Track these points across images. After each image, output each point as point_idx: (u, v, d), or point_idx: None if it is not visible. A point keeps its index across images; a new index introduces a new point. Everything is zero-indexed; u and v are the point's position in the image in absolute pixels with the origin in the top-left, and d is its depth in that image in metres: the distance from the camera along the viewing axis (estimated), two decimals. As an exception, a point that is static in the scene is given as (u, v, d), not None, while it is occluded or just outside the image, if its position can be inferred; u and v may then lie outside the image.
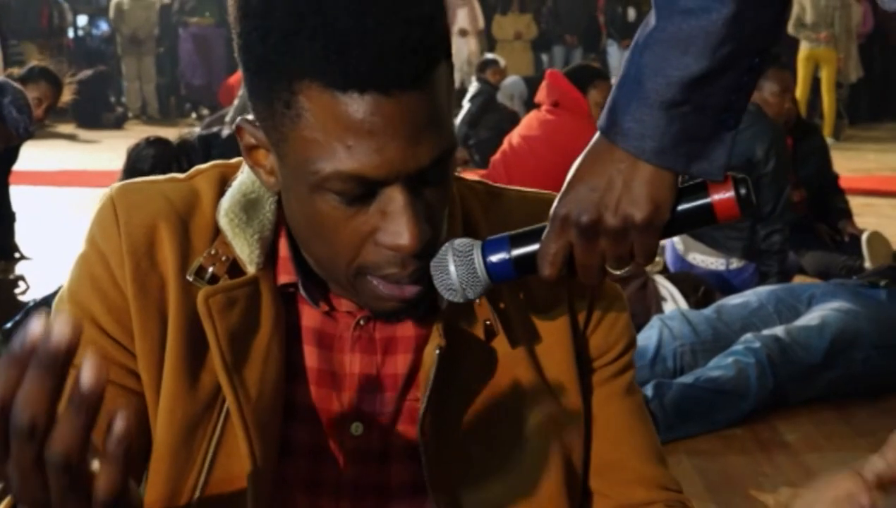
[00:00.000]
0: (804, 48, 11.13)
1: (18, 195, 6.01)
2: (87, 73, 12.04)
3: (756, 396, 3.45)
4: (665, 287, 4.25)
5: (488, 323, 1.12)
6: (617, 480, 1.19)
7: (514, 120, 7.64)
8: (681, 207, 1.03)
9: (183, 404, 1.07)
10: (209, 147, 4.15)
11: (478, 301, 1.09)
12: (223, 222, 1.09)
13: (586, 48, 13.95)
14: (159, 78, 14.87)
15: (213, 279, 1.08)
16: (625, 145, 1.02)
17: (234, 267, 1.09)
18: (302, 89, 0.93)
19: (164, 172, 1.20)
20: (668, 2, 1.01)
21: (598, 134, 1.05)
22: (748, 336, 3.61)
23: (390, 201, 0.97)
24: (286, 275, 1.10)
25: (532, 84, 8.79)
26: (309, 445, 1.14)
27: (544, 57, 14.22)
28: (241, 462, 1.07)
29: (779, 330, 3.62)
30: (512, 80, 10.80)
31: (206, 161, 1.20)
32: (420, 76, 0.93)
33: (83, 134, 12.79)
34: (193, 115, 14.73)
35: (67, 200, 7.92)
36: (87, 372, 0.67)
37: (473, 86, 9.85)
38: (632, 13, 13.17)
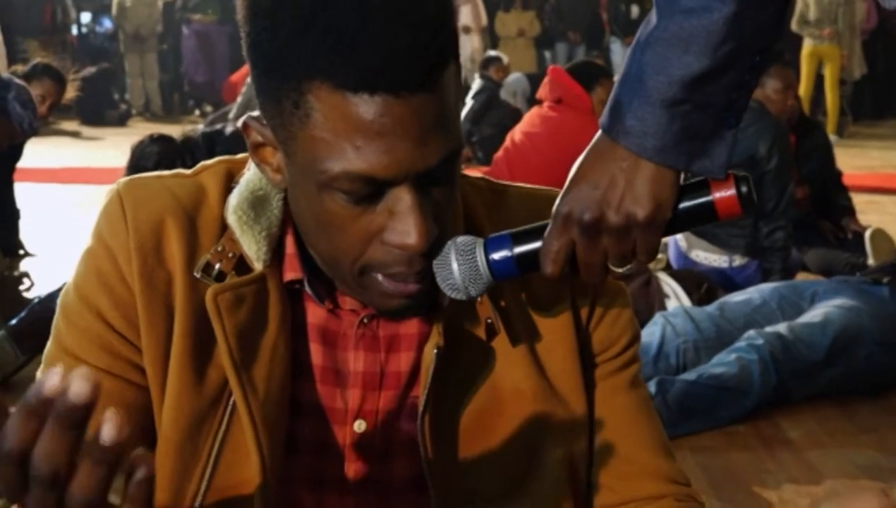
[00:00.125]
0: (808, 45, 11.12)
1: (22, 192, 6.03)
2: (90, 70, 12.06)
3: (759, 393, 3.45)
4: (668, 284, 4.25)
5: (489, 321, 1.12)
6: (625, 473, 1.19)
7: (516, 117, 7.65)
8: (683, 205, 1.03)
9: (189, 399, 1.07)
10: (213, 144, 4.16)
11: (480, 299, 1.10)
12: (231, 219, 1.09)
13: (589, 45, 13.94)
14: (162, 75, 14.88)
15: (220, 275, 1.08)
16: (627, 143, 1.02)
17: (241, 264, 1.09)
18: (311, 89, 0.94)
19: (167, 169, 1.20)
20: (670, 1, 1.01)
21: (599, 132, 1.05)
22: (751, 333, 3.61)
23: (398, 201, 0.97)
24: (292, 272, 1.11)
25: (535, 81, 8.79)
26: (313, 442, 1.15)
27: (547, 54, 14.21)
28: (246, 458, 1.07)
29: (782, 327, 3.62)
30: (515, 77, 10.81)
31: (210, 158, 1.20)
32: (429, 78, 0.94)
33: (87, 131, 12.79)
34: (197, 112, 14.74)
35: (71, 197, 7.93)
36: (108, 427, 0.67)
37: (476, 83, 9.85)
38: (635, 10, 13.16)
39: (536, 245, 1.05)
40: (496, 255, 1.04)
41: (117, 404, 1.06)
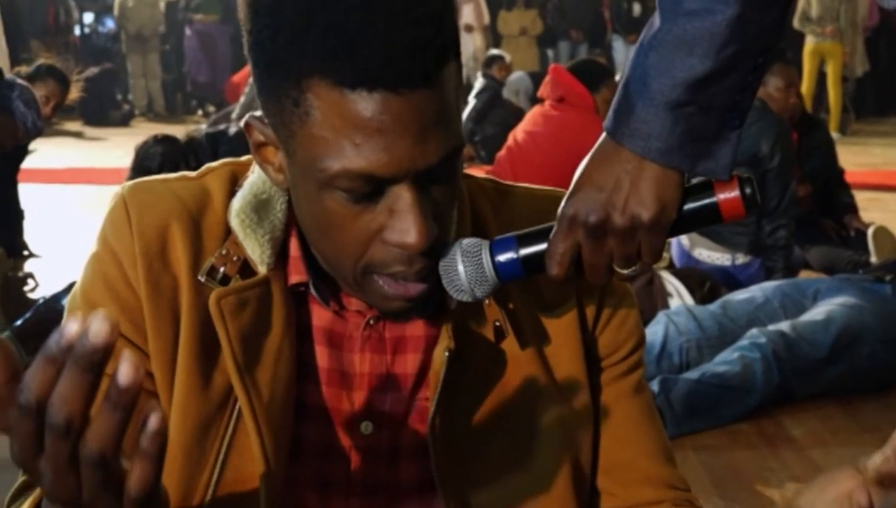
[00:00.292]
0: (810, 42, 11.12)
1: (26, 193, 6.02)
2: (93, 70, 12.04)
3: (762, 391, 3.46)
4: (671, 282, 4.26)
5: (498, 324, 1.12)
6: (625, 479, 1.19)
7: (519, 116, 7.64)
8: (687, 206, 1.04)
9: (196, 404, 1.07)
10: (216, 144, 4.17)
11: (487, 302, 1.10)
12: (234, 223, 1.09)
13: (592, 43, 13.94)
14: (165, 75, 14.88)
15: (225, 279, 1.08)
16: (631, 145, 1.02)
17: (246, 267, 1.09)
18: (311, 87, 0.94)
19: (171, 170, 1.20)
20: (673, 3, 1.02)
21: (604, 134, 1.06)
22: (754, 331, 3.61)
23: (398, 199, 0.97)
24: (297, 275, 1.11)
25: (538, 79, 8.78)
26: (319, 444, 1.15)
27: (550, 52, 14.21)
28: (253, 462, 1.07)
29: (784, 326, 3.62)
30: (517, 76, 10.81)
31: (213, 158, 1.20)
32: (429, 75, 0.93)
33: (90, 131, 12.80)
34: (200, 112, 14.74)
35: (75, 198, 7.94)
36: (123, 370, 0.67)
37: (479, 82, 9.85)
38: (637, 8, 13.15)
39: (542, 247, 1.05)
40: (502, 257, 1.04)
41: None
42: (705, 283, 4.34)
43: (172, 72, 15.25)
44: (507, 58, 10.53)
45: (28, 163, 5.79)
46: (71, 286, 3.67)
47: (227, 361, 1.07)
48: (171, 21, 14.84)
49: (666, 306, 4.12)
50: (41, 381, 0.68)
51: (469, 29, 12.85)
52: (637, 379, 1.21)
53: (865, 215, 5.70)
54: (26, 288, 4.65)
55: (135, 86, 14.53)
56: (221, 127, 4.69)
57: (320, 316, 1.13)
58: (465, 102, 9.55)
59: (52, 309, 3.72)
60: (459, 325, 1.11)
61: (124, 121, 13.42)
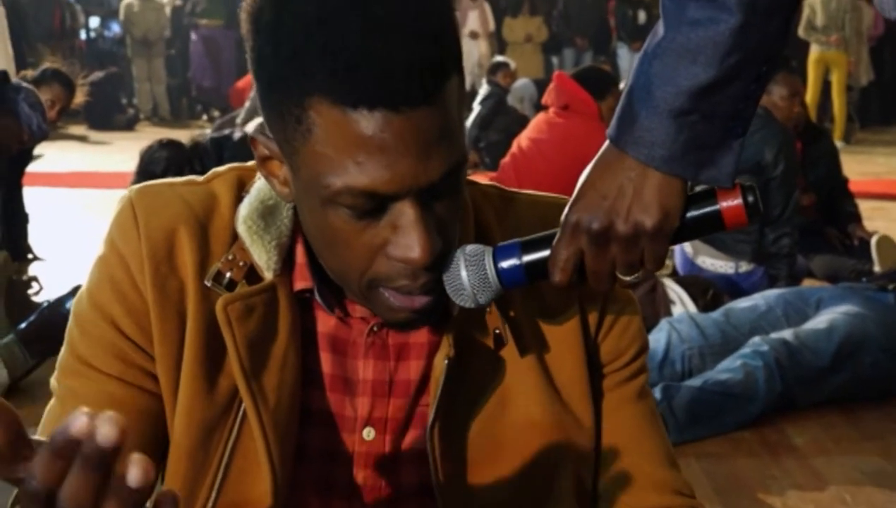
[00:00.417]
0: (815, 51, 11.13)
1: (31, 196, 6.04)
2: (98, 74, 12.02)
3: (764, 399, 3.45)
4: (674, 290, 4.26)
5: (498, 331, 1.12)
6: (630, 485, 1.19)
7: (523, 122, 7.65)
8: (690, 214, 1.04)
9: (201, 407, 1.08)
10: (221, 149, 4.17)
11: (488, 309, 1.10)
12: (241, 229, 1.10)
13: (597, 50, 13.96)
14: (170, 79, 14.90)
15: (231, 284, 1.08)
16: (635, 153, 1.03)
17: (252, 272, 1.10)
18: (312, 105, 0.94)
19: (176, 175, 1.21)
20: (677, 12, 1.02)
21: (607, 142, 1.07)
22: (756, 339, 3.61)
23: (401, 215, 0.97)
24: (302, 282, 1.11)
25: (542, 86, 8.78)
26: (322, 449, 1.15)
27: (555, 59, 14.23)
28: (256, 466, 1.08)
29: (787, 334, 3.63)
30: (522, 83, 10.81)
31: (218, 163, 1.21)
32: (430, 92, 0.93)
33: (95, 135, 12.82)
34: (204, 117, 14.76)
35: (80, 201, 7.95)
36: (135, 470, 0.67)
37: (484, 89, 9.85)
38: (642, 16, 13.15)
39: (545, 253, 1.05)
40: (505, 264, 1.05)
41: (130, 411, 1.07)
42: (708, 291, 4.34)
43: (177, 76, 15.26)
44: (512, 65, 10.53)
45: (33, 167, 5.81)
46: (75, 289, 3.67)
47: (234, 367, 1.07)
48: (176, 26, 14.85)
49: (669, 313, 4.13)
50: (48, 472, 0.68)
51: (474, 36, 12.87)
52: (640, 385, 1.22)
53: (869, 224, 5.70)
54: (30, 292, 4.66)
55: (140, 90, 14.54)
56: (226, 132, 4.69)
57: (325, 322, 1.13)
58: (470, 109, 9.55)
59: (56, 313, 3.72)
60: (460, 333, 1.12)
61: (129, 126, 13.44)
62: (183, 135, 4.41)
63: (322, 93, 0.93)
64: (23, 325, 3.79)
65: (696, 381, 3.45)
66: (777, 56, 1.06)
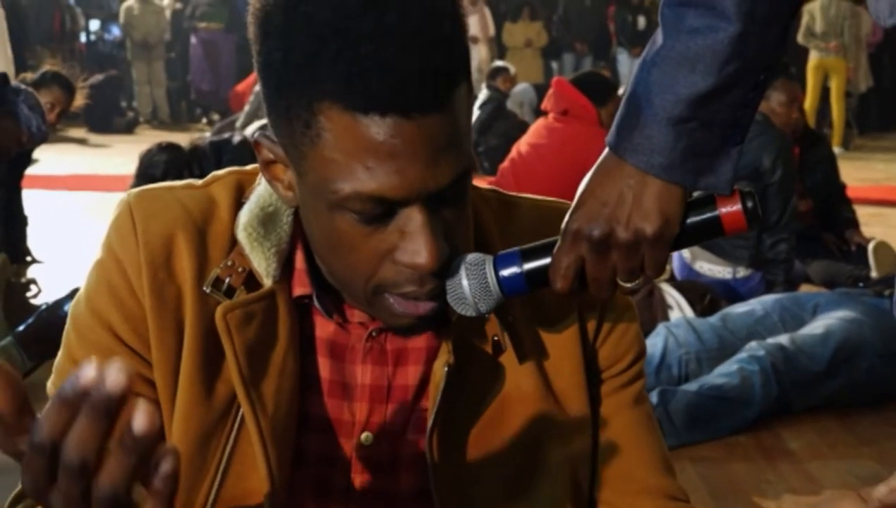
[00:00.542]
0: (814, 57, 11.15)
1: (30, 199, 6.05)
2: (98, 77, 12.05)
3: (760, 404, 3.46)
4: (671, 295, 4.26)
5: (496, 338, 1.12)
6: (624, 490, 1.19)
7: (523, 127, 7.66)
8: (690, 220, 1.05)
9: (198, 413, 1.07)
10: (220, 153, 4.18)
11: (487, 316, 1.10)
12: (241, 236, 1.09)
13: (596, 56, 13.99)
14: (170, 82, 14.89)
15: (230, 290, 1.08)
16: (634, 161, 1.04)
17: (251, 278, 1.09)
18: (322, 110, 0.93)
19: (175, 178, 1.20)
20: (676, 21, 1.03)
21: (607, 149, 1.07)
22: (753, 344, 3.62)
23: (409, 220, 0.97)
24: (301, 288, 1.10)
25: (542, 91, 8.80)
26: (320, 454, 1.15)
27: (554, 64, 14.25)
28: (254, 470, 1.08)
29: (783, 339, 3.64)
30: (522, 88, 10.84)
31: (217, 167, 1.20)
32: (441, 99, 0.94)
33: (94, 138, 12.81)
34: (204, 120, 14.75)
35: (79, 204, 7.95)
36: (139, 420, 0.68)
37: (483, 94, 9.86)
38: (641, 21, 13.19)
39: (546, 261, 1.06)
40: (506, 272, 1.05)
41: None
42: (705, 296, 4.34)
43: (177, 80, 15.26)
44: (512, 69, 10.55)
45: (32, 169, 5.81)
46: (74, 292, 3.68)
47: (233, 374, 1.07)
48: (176, 29, 14.85)
49: (666, 318, 4.13)
50: (56, 422, 0.69)
51: (474, 40, 12.88)
52: (637, 391, 1.22)
53: (868, 230, 5.72)
54: (29, 294, 4.66)
55: (140, 93, 14.53)
56: (225, 136, 4.70)
57: (323, 327, 1.13)
58: (469, 114, 9.54)
59: (54, 315, 3.72)
60: (459, 339, 1.11)
61: (128, 129, 13.43)
62: (182, 139, 4.42)
63: (333, 99, 0.93)
64: (21, 328, 3.79)
65: (692, 386, 3.46)
66: (775, 64, 1.07)
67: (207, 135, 6.82)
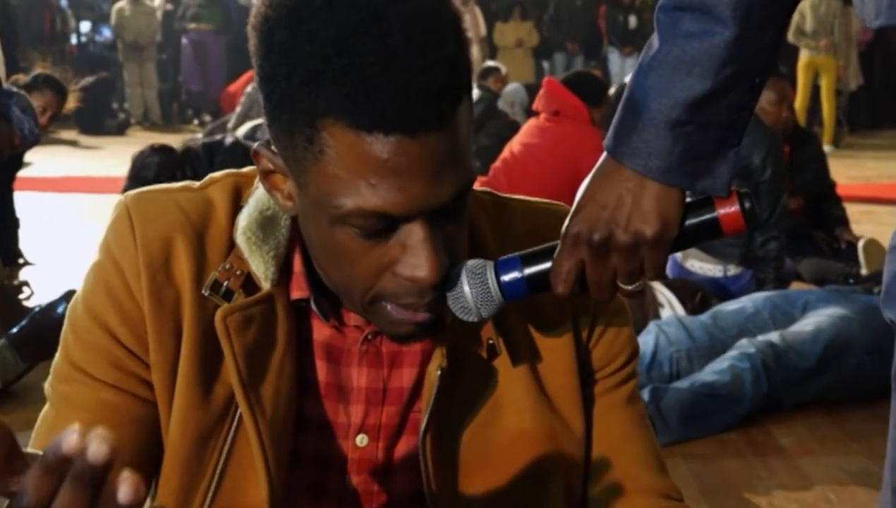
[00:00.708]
0: (804, 56, 11.16)
1: (22, 201, 6.04)
2: (89, 79, 12.03)
3: (751, 400, 3.48)
4: (662, 293, 4.27)
5: (491, 342, 1.13)
6: (619, 490, 1.20)
7: (514, 127, 7.65)
8: (688, 222, 1.06)
9: (196, 415, 1.08)
10: (213, 154, 4.18)
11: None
12: (240, 240, 1.10)
13: (587, 55, 13.99)
14: (161, 84, 14.84)
15: (228, 293, 1.09)
16: (632, 164, 1.05)
17: (249, 281, 1.10)
18: (326, 127, 0.94)
19: (168, 180, 1.21)
20: (671, 25, 1.05)
21: (604, 154, 1.09)
22: (743, 341, 3.64)
23: (410, 235, 0.98)
24: (299, 291, 1.11)
25: (533, 91, 8.80)
26: (315, 455, 1.16)
27: (545, 64, 14.24)
28: (251, 472, 1.08)
29: (773, 336, 3.65)
30: (513, 88, 10.82)
31: (209, 169, 1.21)
32: (444, 117, 0.94)
33: (85, 140, 12.76)
34: (195, 122, 14.71)
35: (71, 206, 7.93)
36: (125, 487, 0.67)
37: (474, 94, 9.82)
38: (633, 21, 13.18)
39: (546, 265, 1.07)
40: (506, 277, 1.06)
41: (125, 419, 1.07)
42: (696, 294, 4.35)
43: (168, 81, 15.22)
44: (503, 69, 10.53)
45: (24, 172, 5.81)
46: (68, 294, 3.68)
47: (232, 377, 1.07)
48: (167, 30, 14.81)
49: (657, 316, 4.14)
50: (41, 489, 0.68)
51: (465, 40, 12.85)
52: (630, 390, 1.23)
53: (858, 228, 5.73)
54: (21, 296, 4.67)
55: (131, 94, 14.48)
56: (217, 137, 4.70)
57: (320, 330, 1.14)
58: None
59: (47, 317, 3.72)
60: (454, 342, 1.12)
61: (120, 130, 13.38)
62: (174, 140, 4.42)
63: (337, 116, 0.93)
64: (14, 330, 3.79)
65: (683, 383, 3.47)
66: (770, 67, 1.08)
67: (199, 136, 6.82)
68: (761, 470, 3.19)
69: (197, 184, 1.15)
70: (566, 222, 1.07)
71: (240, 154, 4.06)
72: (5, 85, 4.93)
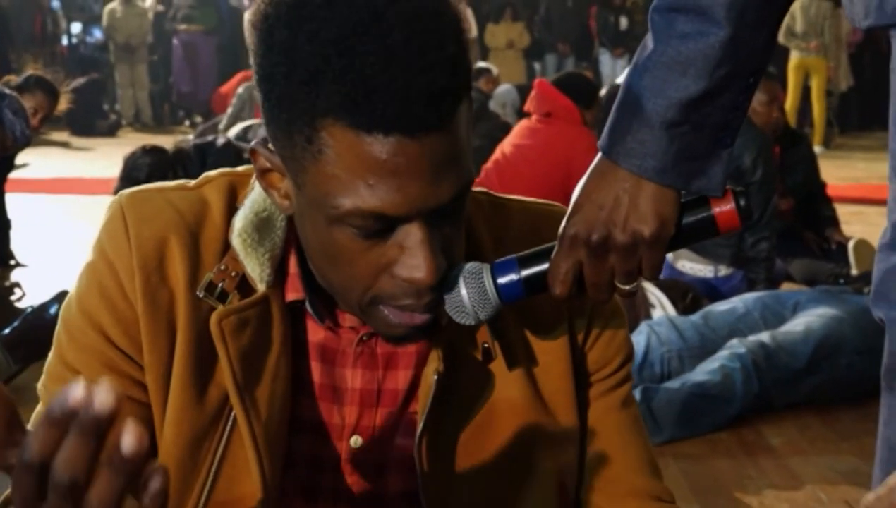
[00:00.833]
0: (794, 57, 11.19)
1: (13, 203, 6.03)
2: (80, 80, 12.01)
3: (741, 401, 3.49)
4: (654, 293, 4.28)
5: (486, 345, 1.13)
6: (611, 492, 1.20)
7: (506, 128, 7.65)
8: (685, 221, 1.07)
9: (190, 417, 1.08)
10: (204, 155, 4.18)
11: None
12: (236, 242, 1.09)
13: (578, 56, 14.00)
14: (152, 85, 14.81)
15: (223, 295, 1.08)
16: (628, 165, 1.06)
17: (244, 283, 1.09)
18: (325, 127, 0.93)
19: (160, 181, 1.20)
20: (666, 26, 1.05)
21: (600, 154, 1.09)
22: (734, 341, 3.65)
23: (408, 236, 0.98)
24: (294, 292, 1.11)
25: (524, 92, 8.81)
26: (309, 456, 1.16)
27: (537, 65, 14.26)
28: (245, 473, 1.08)
29: (764, 336, 3.66)
30: (504, 89, 10.81)
31: (201, 170, 1.21)
32: (444, 118, 0.94)
33: (77, 141, 12.72)
34: (187, 123, 14.69)
35: (62, 208, 7.91)
36: (129, 438, 0.68)
37: (466, 95, 9.83)
38: (624, 22, 13.21)
39: (543, 267, 1.07)
40: (503, 279, 1.06)
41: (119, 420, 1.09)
42: (687, 294, 4.37)
43: (160, 82, 15.20)
44: (494, 70, 10.55)
45: (15, 173, 5.79)
46: (60, 295, 3.68)
47: (227, 379, 1.07)
48: (158, 31, 14.79)
49: (648, 317, 4.15)
50: (45, 441, 0.69)
51: (456, 41, 12.85)
52: (625, 393, 1.23)
53: (849, 228, 5.75)
54: (13, 298, 4.66)
55: (122, 96, 14.44)
56: (209, 138, 4.70)
57: (315, 331, 1.14)
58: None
59: (39, 318, 3.72)
60: (450, 345, 1.12)
61: (111, 132, 13.34)
62: (165, 141, 4.43)
63: (336, 117, 0.92)
64: (6, 331, 3.79)
65: (674, 383, 3.48)
66: (764, 67, 1.09)
67: (191, 137, 6.82)
68: (752, 470, 3.21)
69: (192, 183, 1.15)
70: (563, 223, 1.07)
71: (231, 155, 4.06)
72: (-3, 87, 4.92)
